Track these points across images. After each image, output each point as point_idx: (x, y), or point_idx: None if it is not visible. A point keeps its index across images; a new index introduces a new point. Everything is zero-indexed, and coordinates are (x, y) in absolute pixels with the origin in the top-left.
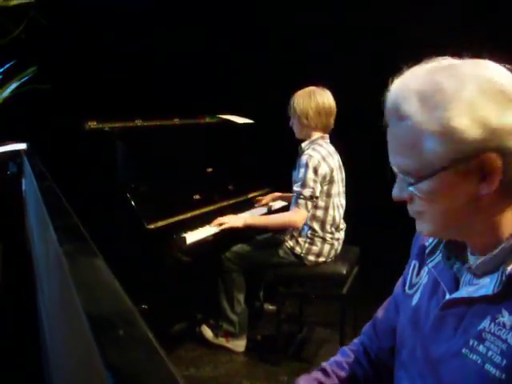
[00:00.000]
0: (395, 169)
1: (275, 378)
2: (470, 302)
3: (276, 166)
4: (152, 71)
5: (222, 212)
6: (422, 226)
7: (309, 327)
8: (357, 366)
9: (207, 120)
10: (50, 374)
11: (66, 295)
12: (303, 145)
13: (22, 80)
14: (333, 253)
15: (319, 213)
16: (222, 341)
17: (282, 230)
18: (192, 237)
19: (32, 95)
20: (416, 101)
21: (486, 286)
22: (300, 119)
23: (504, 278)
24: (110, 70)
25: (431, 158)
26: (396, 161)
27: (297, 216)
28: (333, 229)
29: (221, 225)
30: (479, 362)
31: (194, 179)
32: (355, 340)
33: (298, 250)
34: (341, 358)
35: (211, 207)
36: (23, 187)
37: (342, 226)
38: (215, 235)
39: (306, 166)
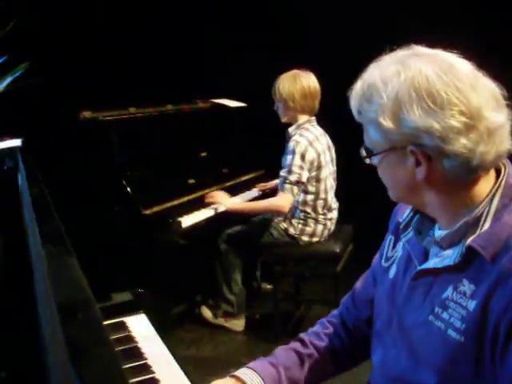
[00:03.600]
0: None
1: None
2: (436, 272)
3: (270, 148)
4: (143, 58)
5: None
6: (389, 192)
7: (306, 305)
8: (334, 337)
9: (200, 105)
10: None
11: (45, 286)
12: (290, 130)
13: (16, 75)
14: (326, 232)
15: (309, 198)
16: (221, 321)
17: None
18: (187, 220)
19: (26, 89)
20: (360, 93)
21: (449, 257)
22: (286, 103)
23: (464, 249)
24: (101, 60)
25: (373, 142)
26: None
27: (282, 201)
28: (325, 210)
29: (210, 200)
30: (443, 328)
31: (189, 164)
32: (334, 311)
33: (291, 231)
34: (319, 329)
35: (206, 191)
36: (19, 182)
37: (335, 205)
38: (210, 218)
39: (293, 152)
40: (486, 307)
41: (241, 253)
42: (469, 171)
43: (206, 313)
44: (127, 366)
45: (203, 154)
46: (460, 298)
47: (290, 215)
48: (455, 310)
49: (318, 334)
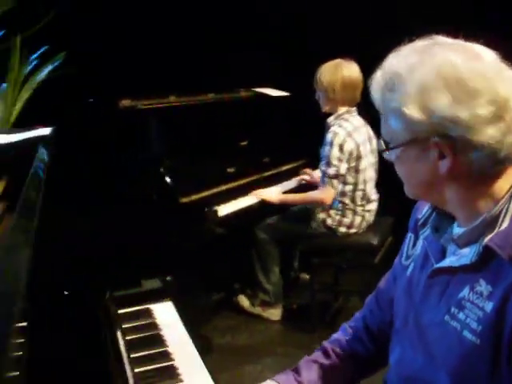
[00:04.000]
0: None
1: (309, 346)
2: (453, 271)
3: (311, 138)
4: (187, 46)
5: (256, 184)
6: (405, 188)
7: (344, 296)
8: (357, 343)
9: (242, 94)
10: None
11: None
12: (329, 120)
13: (55, 64)
14: (364, 224)
15: (348, 188)
16: (258, 310)
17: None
18: (224, 209)
19: (65, 78)
20: (380, 83)
21: (466, 256)
22: (326, 93)
23: (481, 248)
24: (142, 48)
25: (394, 133)
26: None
27: (324, 194)
28: (364, 201)
29: (258, 196)
30: (458, 328)
31: (228, 153)
32: (357, 314)
33: (329, 221)
34: (341, 336)
35: (245, 180)
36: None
37: (374, 196)
38: (248, 208)
39: (331, 143)
40: (502, 309)
41: (278, 242)
42: (495, 163)
43: (244, 301)
44: (147, 352)
45: (243, 143)
46: (477, 299)
47: (327, 206)
48: (471, 311)
49: (340, 341)
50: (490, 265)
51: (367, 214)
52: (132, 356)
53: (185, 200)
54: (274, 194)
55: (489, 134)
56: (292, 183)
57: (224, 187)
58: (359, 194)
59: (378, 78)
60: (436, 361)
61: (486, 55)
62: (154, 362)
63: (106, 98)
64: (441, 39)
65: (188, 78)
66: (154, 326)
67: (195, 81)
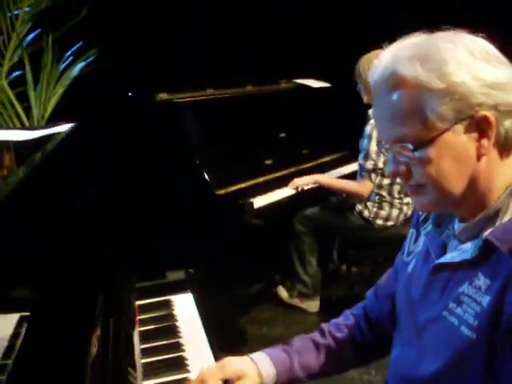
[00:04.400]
0: (389, 142)
1: None
2: (454, 266)
3: (352, 130)
4: (228, 37)
5: (295, 176)
6: (421, 199)
7: None
8: (355, 329)
9: (283, 85)
10: None
11: None
12: (370, 112)
13: (88, 60)
14: (402, 217)
15: (386, 182)
16: (296, 301)
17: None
18: (260, 201)
19: (101, 72)
20: (413, 63)
21: (467, 251)
22: (367, 84)
23: (481, 242)
24: (179, 40)
25: (433, 120)
26: (390, 133)
27: (361, 188)
28: (401, 194)
29: (296, 185)
30: (456, 323)
31: (267, 145)
32: (359, 304)
33: (366, 213)
34: (341, 321)
35: (283, 172)
36: None
37: None
38: (285, 199)
39: (370, 136)
40: (498, 303)
41: (316, 234)
42: None
43: (282, 293)
44: (160, 343)
45: (282, 135)
46: (475, 293)
47: (365, 199)
48: (469, 306)
49: (339, 325)
50: (490, 259)
51: (405, 207)
52: (143, 347)
53: (221, 192)
54: (310, 177)
55: None
56: (331, 176)
57: (262, 179)
58: (397, 187)
59: (409, 62)
60: (429, 359)
61: (477, 38)
62: (164, 353)
63: (144, 91)
64: (438, 33)
65: (227, 70)
66: (171, 317)
67: (236, 73)
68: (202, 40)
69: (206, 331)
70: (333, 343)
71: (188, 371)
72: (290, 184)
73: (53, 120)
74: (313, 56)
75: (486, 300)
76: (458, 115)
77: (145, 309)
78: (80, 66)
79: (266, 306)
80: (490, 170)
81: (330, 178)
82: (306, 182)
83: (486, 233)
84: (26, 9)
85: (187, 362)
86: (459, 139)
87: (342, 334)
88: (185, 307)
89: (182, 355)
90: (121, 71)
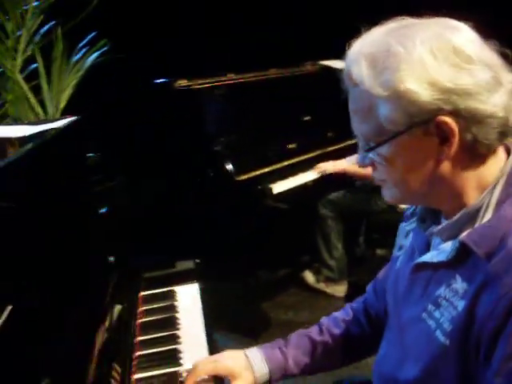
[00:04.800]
0: (356, 134)
1: None
2: (434, 266)
3: None
4: (252, 18)
5: (320, 160)
6: (385, 193)
7: None
8: (354, 324)
9: (307, 68)
10: None
11: None
12: None
13: (101, 50)
14: None
15: None
16: (322, 286)
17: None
18: (279, 187)
19: (119, 62)
20: (366, 65)
21: (445, 251)
22: None
23: (458, 244)
24: (199, 25)
25: (386, 123)
26: (355, 126)
27: None
28: None
29: (321, 170)
30: (433, 327)
31: (290, 128)
32: (360, 298)
33: None
34: (340, 315)
35: (308, 155)
36: None
37: None
38: (307, 184)
39: None
40: (472, 309)
41: (341, 218)
42: (501, 135)
43: (309, 277)
44: (157, 335)
45: (306, 118)
46: (452, 297)
47: None
48: (446, 310)
49: (338, 320)
50: (468, 262)
51: None
52: (140, 339)
53: (244, 177)
54: (336, 163)
55: (495, 100)
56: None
57: (285, 163)
58: None
59: (360, 63)
60: (410, 362)
61: (462, 25)
62: (160, 345)
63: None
64: (411, 19)
65: (250, 54)
66: (172, 308)
67: (259, 57)
68: (225, 24)
69: (205, 323)
70: (330, 340)
71: (180, 364)
72: (316, 168)
73: (68, 111)
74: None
75: (461, 305)
76: (412, 119)
77: (148, 300)
78: (93, 56)
79: (292, 291)
80: (459, 173)
81: (355, 165)
82: (331, 169)
83: (463, 234)
84: (36, 3)
85: (181, 355)
86: (418, 142)
87: (340, 330)
88: (188, 298)
89: (176, 348)
90: (134, 61)
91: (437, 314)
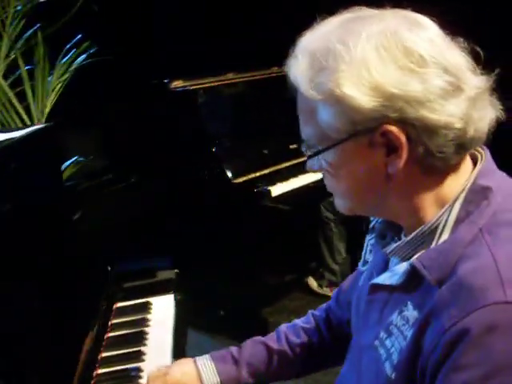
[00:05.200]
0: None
1: None
2: (391, 289)
3: None
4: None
5: None
6: (337, 202)
7: None
8: (314, 333)
9: None
10: None
11: None
12: None
13: (85, 54)
14: None
15: None
16: (326, 291)
17: None
18: (281, 188)
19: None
20: (305, 64)
21: (397, 274)
22: None
23: (409, 267)
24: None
25: (327, 130)
26: (301, 128)
27: None
28: None
29: None
30: (383, 357)
31: (290, 129)
32: (324, 304)
33: None
34: (300, 323)
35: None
36: None
37: None
38: (310, 185)
39: None
40: (419, 340)
41: (344, 221)
42: (459, 148)
43: (312, 282)
44: (122, 351)
45: None
46: (402, 326)
47: None
48: (397, 339)
49: (297, 328)
50: (419, 287)
51: None
52: (104, 355)
53: (240, 180)
54: None
55: (450, 109)
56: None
57: (285, 164)
58: None
59: (299, 60)
60: None
61: (425, 21)
62: (123, 362)
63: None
64: (368, 10)
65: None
66: (144, 321)
67: (259, 56)
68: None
69: (174, 337)
70: (287, 348)
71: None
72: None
73: (55, 116)
74: None
75: (409, 335)
76: (356, 127)
77: (121, 312)
78: (79, 59)
79: (297, 296)
80: (413, 187)
81: None
82: None
83: (415, 256)
84: (19, 7)
85: (141, 374)
86: (364, 152)
87: (299, 338)
88: (162, 310)
89: (139, 367)
90: (121, 63)
91: (388, 343)
